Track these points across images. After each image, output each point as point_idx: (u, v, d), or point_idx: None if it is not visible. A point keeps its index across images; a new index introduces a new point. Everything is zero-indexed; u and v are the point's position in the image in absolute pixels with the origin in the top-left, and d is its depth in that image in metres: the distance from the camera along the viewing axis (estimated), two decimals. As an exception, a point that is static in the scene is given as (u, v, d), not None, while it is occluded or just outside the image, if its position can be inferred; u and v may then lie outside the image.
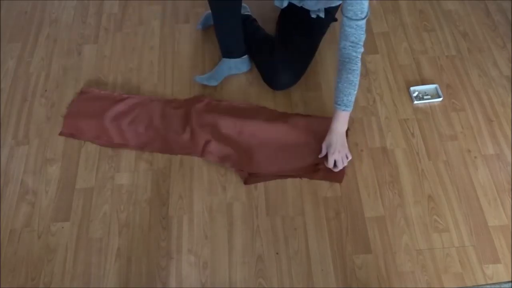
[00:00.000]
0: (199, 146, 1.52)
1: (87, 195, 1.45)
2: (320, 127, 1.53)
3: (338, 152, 1.43)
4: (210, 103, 1.63)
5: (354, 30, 1.30)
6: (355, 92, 1.38)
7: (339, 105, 1.39)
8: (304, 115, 1.60)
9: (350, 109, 1.40)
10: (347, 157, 1.45)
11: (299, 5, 1.57)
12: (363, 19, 1.28)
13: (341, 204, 1.42)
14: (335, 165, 1.44)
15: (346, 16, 1.29)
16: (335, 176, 1.46)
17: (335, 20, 1.73)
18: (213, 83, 1.67)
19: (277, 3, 1.58)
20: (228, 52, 1.67)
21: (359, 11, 1.27)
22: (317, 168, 1.47)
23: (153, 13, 1.94)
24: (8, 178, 1.50)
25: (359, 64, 1.36)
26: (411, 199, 1.43)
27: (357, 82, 1.37)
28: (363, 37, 1.32)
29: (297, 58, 1.62)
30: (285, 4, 1.54)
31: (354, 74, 1.35)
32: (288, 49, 1.61)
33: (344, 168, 1.46)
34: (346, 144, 1.46)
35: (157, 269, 1.33)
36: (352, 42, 1.32)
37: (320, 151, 1.48)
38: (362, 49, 1.34)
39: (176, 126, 1.57)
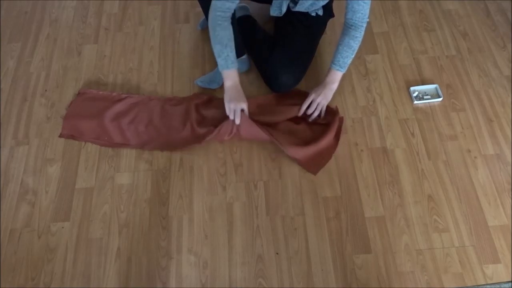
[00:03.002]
0: (199, 138, 1.52)
1: (87, 195, 1.45)
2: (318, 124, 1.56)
3: (319, 97, 1.52)
4: (210, 100, 1.63)
5: (362, 7, 1.40)
6: (352, 56, 1.49)
7: (334, 64, 1.50)
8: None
9: (343, 70, 1.51)
10: (320, 114, 1.55)
11: (293, 9, 1.56)
12: None
13: (341, 204, 1.42)
14: (307, 112, 1.54)
15: None
16: (311, 166, 1.48)
17: (333, 16, 1.73)
18: (214, 85, 1.67)
19: (273, 13, 1.57)
20: None
21: None
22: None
23: (153, 13, 1.94)
24: (8, 178, 1.50)
25: (362, 33, 1.46)
26: (411, 199, 1.43)
27: (356, 48, 1.48)
28: (368, 10, 1.41)
29: (297, 59, 1.61)
30: (283, 10, 1.53)
31: (355, 41, 1.46)
32: (288, 50, 1.61)
33: (322, 161, 1.49)
34: (329, 99, 1.55)
35: (157, 269, 1.33)
36: (359, 17, 1.42)
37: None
38: (367, 19, 1.44)
39: (176, 123, 1.57)
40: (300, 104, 1.55)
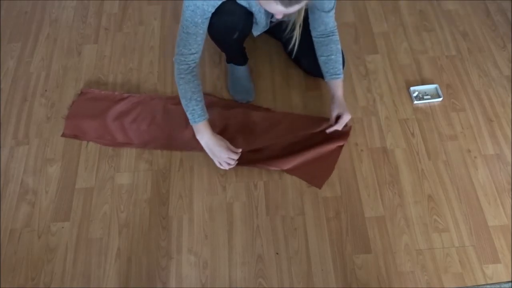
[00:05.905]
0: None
1: (87, 195, 1.45)
2: (317, 127, 1.54)
3: (347, 114, 1.47)
4: (213, 100, 1.63)
5: (330, 18, 1.42)
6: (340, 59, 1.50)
7: (338, 74, 1.48)
8: (302, 115, 1.60)
9: (342, 75, 1.50)
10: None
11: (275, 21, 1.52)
12: (333, 9, 1.41)
13: (341, 204, 1.42)
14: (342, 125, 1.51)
15: (320, 10, 1.39)
16: (314, 179, 1.46)
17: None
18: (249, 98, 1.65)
19: (258, 32, 1.52)
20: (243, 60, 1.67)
21: (331, 3, 1.38)
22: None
23: (153, 13, 1.94)
24: (8, 178, 1.50)
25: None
26: (411, 199, 1.43)
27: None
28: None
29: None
30: (268, 23, 1.48)
31: (339, 43, 1.47)
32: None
33: (325, 173, 1.47)
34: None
35: (157, 269, 1.33)
36: (331, 25, 1.44)
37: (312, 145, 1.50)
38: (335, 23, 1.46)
39: (179, 122, 1.57)
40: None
